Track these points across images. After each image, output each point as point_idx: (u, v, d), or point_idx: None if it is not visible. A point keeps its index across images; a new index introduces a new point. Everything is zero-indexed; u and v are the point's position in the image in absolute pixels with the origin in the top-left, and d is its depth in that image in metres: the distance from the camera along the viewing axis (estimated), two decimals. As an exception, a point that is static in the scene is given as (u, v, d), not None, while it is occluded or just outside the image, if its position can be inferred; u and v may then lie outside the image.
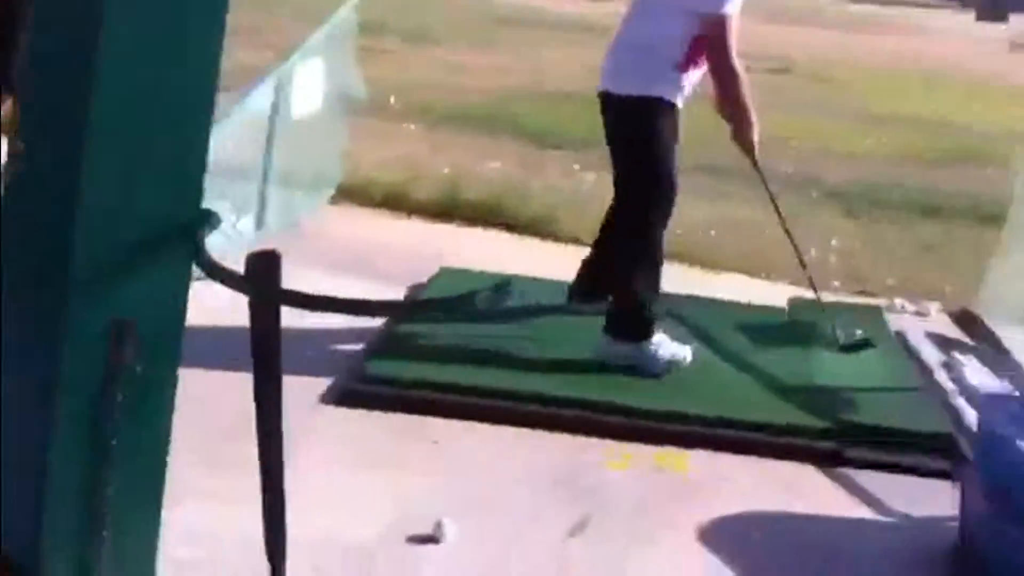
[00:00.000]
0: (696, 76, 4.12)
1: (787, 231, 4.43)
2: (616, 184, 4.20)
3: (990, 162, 8.35)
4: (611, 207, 4.35)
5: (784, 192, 7.58)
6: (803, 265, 4.55)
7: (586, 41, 20.03)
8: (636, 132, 4.06)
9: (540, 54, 16.74)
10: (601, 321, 4.11)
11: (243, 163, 5.15)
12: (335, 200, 6.13)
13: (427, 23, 19.56)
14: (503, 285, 4.32)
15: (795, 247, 4.47)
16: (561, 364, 4.08)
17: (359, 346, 4.15)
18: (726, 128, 4.17)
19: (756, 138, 4.15)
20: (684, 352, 4.12)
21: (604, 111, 4.15)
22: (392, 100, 9.81)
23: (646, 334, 4.04)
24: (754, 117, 4.11)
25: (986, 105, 14.39)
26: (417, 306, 4.10)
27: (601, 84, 4.14)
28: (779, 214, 4.45)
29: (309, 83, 5.44)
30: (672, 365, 4.06)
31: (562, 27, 22.33)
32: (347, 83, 6.05)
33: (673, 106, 4.06)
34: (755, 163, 4.23)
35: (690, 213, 5.37)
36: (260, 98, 4.96)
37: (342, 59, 5.97)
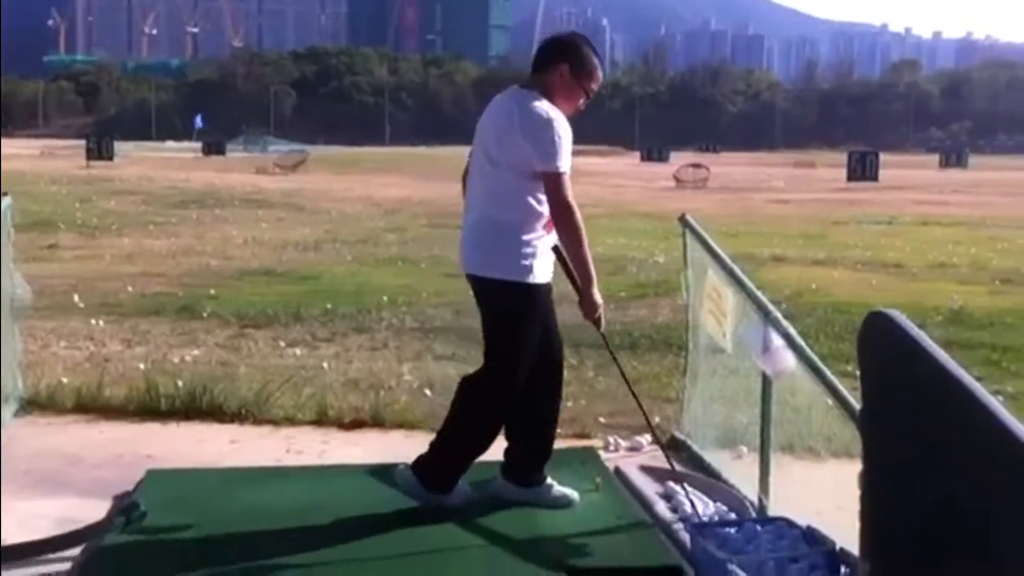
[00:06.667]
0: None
1: (632, 391, 4.44)
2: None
3: (675, 292, 8.82)
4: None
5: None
6: (647, 422, 4.59)
7: (268, 216, 20.07)
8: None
9: (225, 232, 16.48)
10: None
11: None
12: (20, 413, 5.69)
13: (102, 213, 18.94)
14: (132, 507, 4.15)
15: (639, 404, 4.46)
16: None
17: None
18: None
19: (599, 299, 4.13)
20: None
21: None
22: (76, 298, 9.35)
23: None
24: (594, 274, 4.10)
25: (658, 237, 15.39)
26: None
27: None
28: (622, 373, 4.49)
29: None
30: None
31: (245, 204, 22.20)
32: (9, 287, 5.67)
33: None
34: (599, 327, 4.19)
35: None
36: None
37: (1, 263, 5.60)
